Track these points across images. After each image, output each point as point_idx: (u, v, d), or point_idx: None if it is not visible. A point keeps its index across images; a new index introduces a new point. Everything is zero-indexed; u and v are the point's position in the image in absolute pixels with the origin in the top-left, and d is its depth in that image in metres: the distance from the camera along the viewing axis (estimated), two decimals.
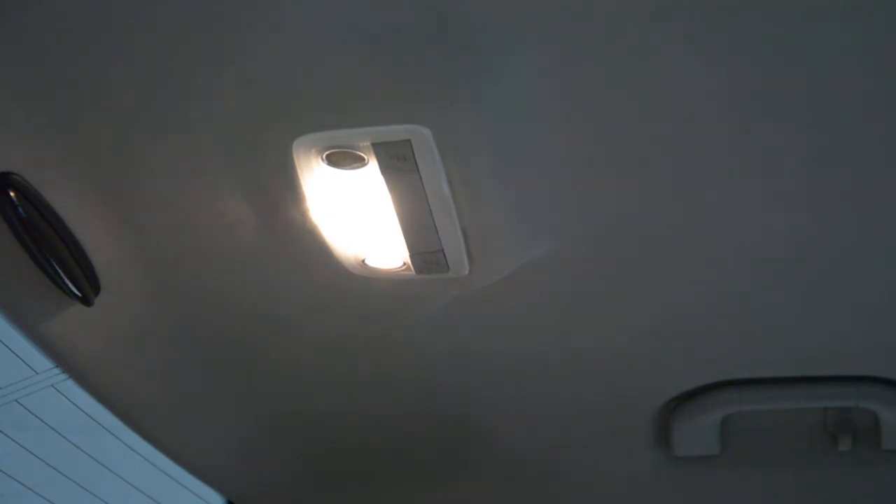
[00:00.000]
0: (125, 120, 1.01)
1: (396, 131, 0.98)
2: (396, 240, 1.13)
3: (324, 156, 1.02)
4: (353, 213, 1.11)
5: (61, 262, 1.09)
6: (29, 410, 3.39)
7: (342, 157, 1.02)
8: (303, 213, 1.10)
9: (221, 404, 1.46)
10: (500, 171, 1.05)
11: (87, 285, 1.13)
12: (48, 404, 3.35)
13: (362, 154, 1.01)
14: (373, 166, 1.02)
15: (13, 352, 3.10)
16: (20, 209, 1.03)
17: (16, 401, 3.35)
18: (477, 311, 1.28)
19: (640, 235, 1.15)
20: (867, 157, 1.02)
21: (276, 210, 1.11)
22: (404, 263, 1.17)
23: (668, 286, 1.24)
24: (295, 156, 1.02)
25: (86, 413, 3.32)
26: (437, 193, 1.05)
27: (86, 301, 1.14)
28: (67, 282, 1.11)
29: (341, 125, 0.99)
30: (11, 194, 1.02)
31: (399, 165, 1.01)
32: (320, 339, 1.36)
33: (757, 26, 0.87)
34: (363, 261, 1.18)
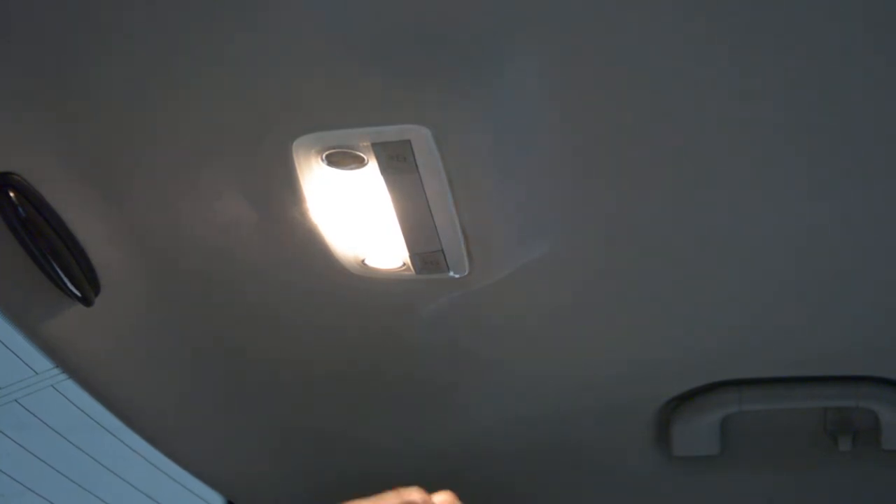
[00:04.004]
0: (125, 120, 1.01)
1: (396, 131, 0.98)
2: (396, 240, 1.13)
3: (324, 156, 1.02)
4: (353, 213, 1.11)
5: (61, 262, 1.09)
6: (29, 410, 3.39)
7: (342, 157, 1.02)
8: (303, 213, 1.10)
9: (221, 404, 1.46)
10: (501, 171, 1.05)
11: (87, 285, 1.13)
12: (48, 404, 3.35)
13: (362, 154, 1.01)
14: (373, 166, 1.02)
15: (13, 352, 3.10)
16: (20, 209, 1.03)
17: (16, 401, 3.35)
18: (477, 311, 1.28)
19: (641, 236, 1.15)
20: (867, 158, 1.02)
21: (275, 210, 1.11)
22: (404, 263, 1.17)
23: (668, 286, 1.24)
24: (295, 156, 1.02)
25: (86, 413, 3.32)
26: (437, 193, 1.05)
27: (86, 301, 1.14)
28: (67, 282, 1.11)
29: (341, 125, 0.99)
30: (11, 194, 1.02)
31: (399, 165, 1.01)
32: (320, 339, 1.36)
33: (762, 25, 0.87)
34: (363, 261, 1.18)
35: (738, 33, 0.88)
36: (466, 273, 1.18)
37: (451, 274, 1.17)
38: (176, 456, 1.46)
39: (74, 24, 0.89)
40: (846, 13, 0.85)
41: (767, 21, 0.86)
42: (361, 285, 1.21)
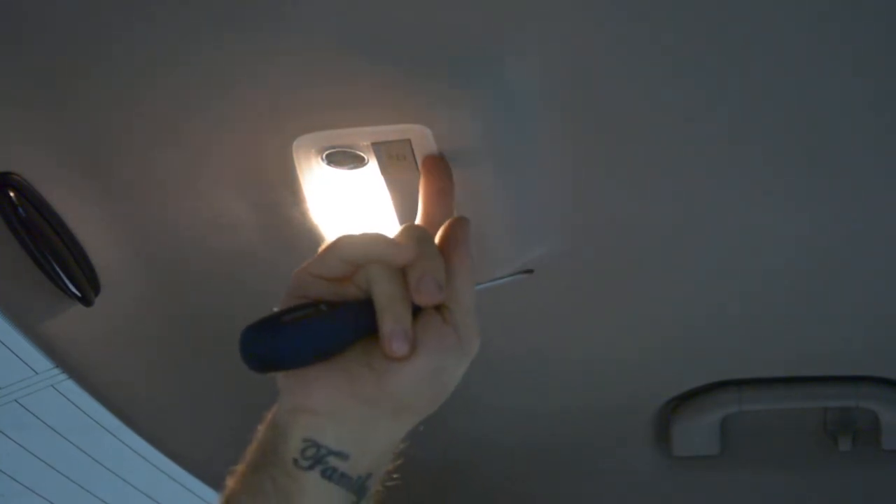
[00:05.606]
0: (125, 120, 1.01)
1: (396, 131, 0.98)
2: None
3: (324, 155, 1.02)
4: (353, 213, 1.11)
5: (61, 262, 1.09)
6: (29, 410, 3.39)
7: (342, 157, 1.02)
8: (303, 213, 1.10)
9: (222, 404, 1.46)
10: (501, 171, 1.05)
11: (87, 285, 1.13)
12: (48, 404, 3.35)
13: (362, 154, 1.01)
14: (373, 166, 1.02)
15: (13, 352, 3.10)
16: (20, 209, 1.03)
17: (16, 401, 3.35)
18: (476, 311, 1.28)
19: (642, 236, 1.15)
20: (867, 157, 1.02)
21: (275, 210, 1.11)
22: None
23: (668, 286, 1.24)
24: (295, 156, 1.02)
25: (86, 413, 3.32)
26: None
27: (86, 301, 1.14)
28: (67, 282, 1.11)
29: (341, 125, 0.99)
30: (11, 194, 1.02)
31: (399, 165, 1.01)
32: None
33: (760, 27, 0.87)
34: None
35: (737, 34, 0.88)
36: None
37: None
38: (176, 456, 1.46)
39: (74, 24, 0.89)
40: (846, 16, 0.85)
41: (765, 22, 0.86)
42: None
